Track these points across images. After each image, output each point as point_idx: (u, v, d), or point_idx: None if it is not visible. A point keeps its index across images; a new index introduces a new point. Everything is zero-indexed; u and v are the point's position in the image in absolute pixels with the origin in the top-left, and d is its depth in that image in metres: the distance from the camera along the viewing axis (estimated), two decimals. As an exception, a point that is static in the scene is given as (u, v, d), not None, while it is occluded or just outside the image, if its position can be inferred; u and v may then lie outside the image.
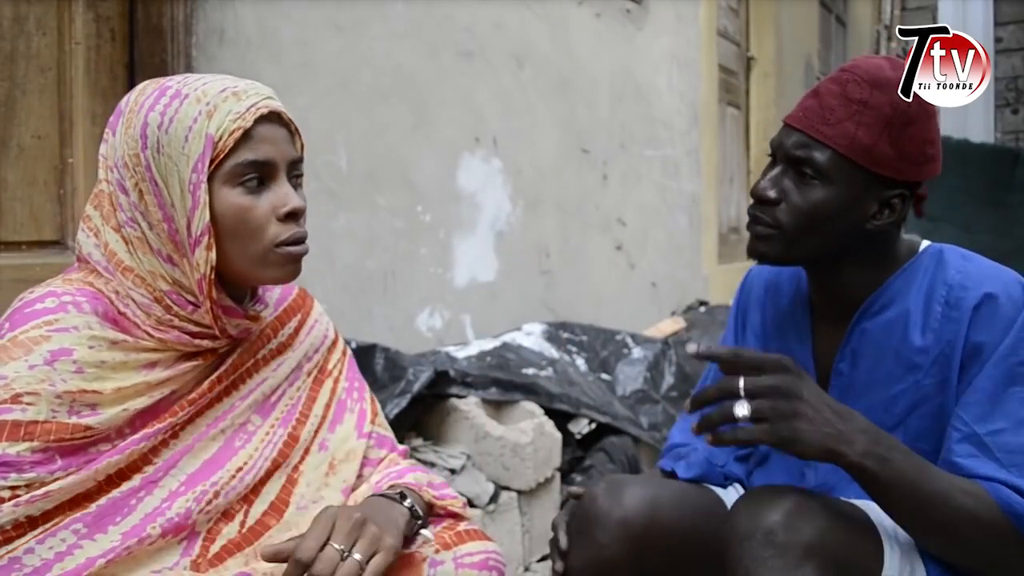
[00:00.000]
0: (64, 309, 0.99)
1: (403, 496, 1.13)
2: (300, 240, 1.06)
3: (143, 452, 1.03)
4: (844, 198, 1.17)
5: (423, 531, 1.13)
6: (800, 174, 1.18)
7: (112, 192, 1.04)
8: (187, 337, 1.04)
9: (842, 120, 1.16)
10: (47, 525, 0.95)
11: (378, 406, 1.29)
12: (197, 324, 1.05)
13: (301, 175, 1.09)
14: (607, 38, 4.02)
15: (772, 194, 1.19)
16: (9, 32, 1.90)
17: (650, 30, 4.40)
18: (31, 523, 0.94)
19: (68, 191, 1.96)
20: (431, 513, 1.21)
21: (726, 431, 1.04)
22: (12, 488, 0.92)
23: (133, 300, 1.03)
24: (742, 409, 1.04)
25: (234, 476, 1.09)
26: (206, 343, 1.06)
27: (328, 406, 1.21)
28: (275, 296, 1.22)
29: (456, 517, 1.21)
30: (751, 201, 1.24)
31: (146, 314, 1.03)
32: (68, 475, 0.96)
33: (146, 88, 1.05)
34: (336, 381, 1.24)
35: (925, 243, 1.27)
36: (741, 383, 1.05)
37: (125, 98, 1.06)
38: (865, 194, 1.18)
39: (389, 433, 1.29)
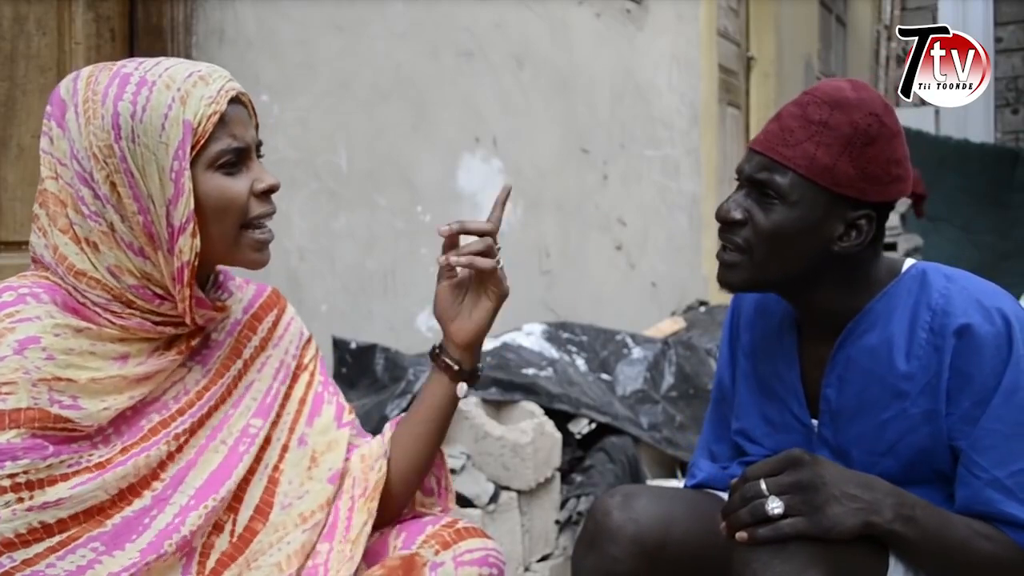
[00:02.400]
0: (23, 301, 0.99)
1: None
2: (270, 214, 1.09)
3: (150, 465, 1.03)
4: (806, 219, 1.16)
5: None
6: (763, 195, 1.17)
7: (62, 188, 1.02)
8: (149, 325, 1.04)
9: (801, 141, 1.15)
10: (63, 537, 0.96)
11: (351, 408, 1.30)
12: (159, 314, 1.05)
13: (262, 156, 1.11)
14: (607, 38, 4.02)
15: (737, 215, 1.19)
16: (9, 32, 1.91)
17: (650, 30, 4.40)
18: (46, 530, 0.95)
19: (68, 191, 1.96)
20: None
21: (766, 531, 1.06)
22: (11, 476, 0.92)
23: (89, 300, 1.03)
24: (776, 507, 1.06)
25: (232, 490, 1.09)
26: (168, 330, 1.07)
27: (303, 401, 1.22)
28: (250, 293, 1.23)
29: (436, 518, 1.24)
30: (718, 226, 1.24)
31: (104, 309, 1.03)
32: (61, 462, 0.96)
33: (97, 79, 1.02)
34: (312, 375, 1.24)
35: (908, 262, 1.25)
36: (763, 485, 1.07)
37: (65, 90, 1.03)
38: (829, 215, 1.16)
39: (360, 427, 1.30)
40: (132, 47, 2.07)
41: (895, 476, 1.19)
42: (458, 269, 1.22)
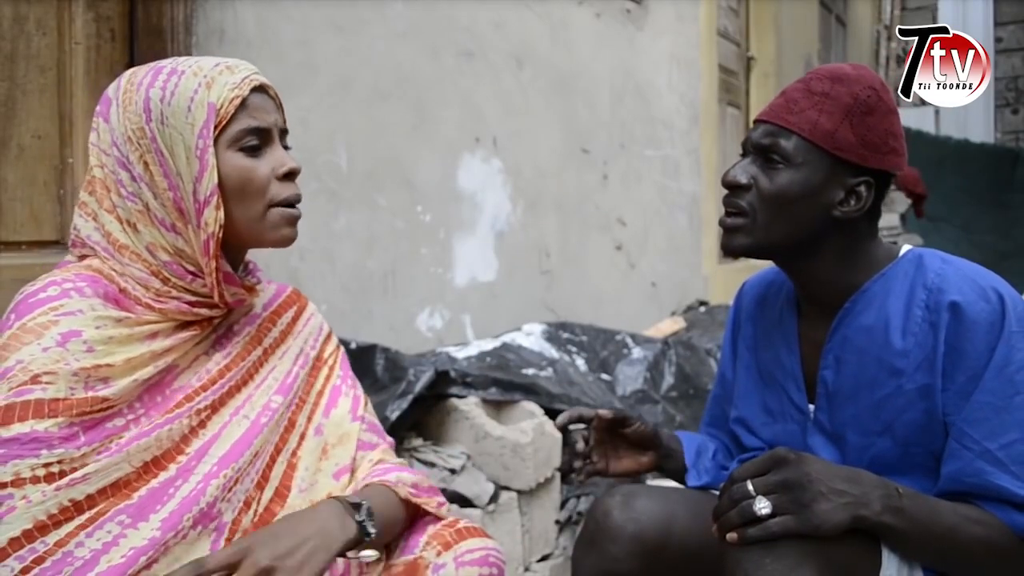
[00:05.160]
0: (67, 295, 1.04)
1: (358, 508, 1.11)
2: (296, 200, 1.15)
3: (172, 439, 1.07)
4: (809, 181, 1.21)
5: (364, 553, 1.12)
6: (768, 160, 1.23)
7: (107, 175, 1.10)
8: (186, 306, 1.11)
9: (805, 109, 1.22)
10: (92, 512, 0.99)
11: (367, 400, 1.33)
12: (194, 293, 1.11)
13: (288, 147, 1.17)
14: (607, 38, 4.02)
15: (743, 179, 1.24)
16: (9, 32, 1.91)
17: (650, 30, 4.40)
18: (76, 507, 0.98)
19: (68, 191, 1.96)
20: (416, 514, 1.24)
21: (756, 531, 1.07)
22: (45, 465, 0.96)
23: (131, 276, 1.09)
24: (763, 507, 1.07)
25: (251, 462, 1.13)
26: (204, 311, 1.12)
27: (322, 392, 1.27)
28: (271, 291, 1.28)
29: (438, 519, 1.24)
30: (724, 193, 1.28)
31: (144, 287, 1.09)
32: (92, 450, 1.00)
33: (136, 73, 1.12)
34: (331, 369, 1.30)
35: (905, 247, 1.28)
36: (750, 486, 1.08)
37: (112, 88, 1.13)
38: (830, 179, 1.21)
39: (378, 423, 1.34)
40: (132, 47, 2.07)
41: (891, 458, 1.20)
42: None
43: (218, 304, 1.13)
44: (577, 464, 1.35)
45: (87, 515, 0.99)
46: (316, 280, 2.51)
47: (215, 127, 1.08)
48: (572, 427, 1.37)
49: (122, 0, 2.06)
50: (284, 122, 1.17)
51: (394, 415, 2.20)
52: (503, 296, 3.26)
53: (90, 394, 1.00)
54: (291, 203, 1.14)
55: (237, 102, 1.09)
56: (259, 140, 1.11)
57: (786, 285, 1.37)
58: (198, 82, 1.08)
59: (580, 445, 1.35)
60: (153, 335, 1.09)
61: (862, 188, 1.22)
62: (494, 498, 2.17)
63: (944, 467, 1.17)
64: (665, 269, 4.52)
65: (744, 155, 1.27)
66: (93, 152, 1.12)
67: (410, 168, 2.85)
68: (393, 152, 2.79)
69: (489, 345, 2.77)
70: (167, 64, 1.11)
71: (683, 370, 3.12)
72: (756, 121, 1.27)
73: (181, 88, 1.08)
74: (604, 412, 1.35)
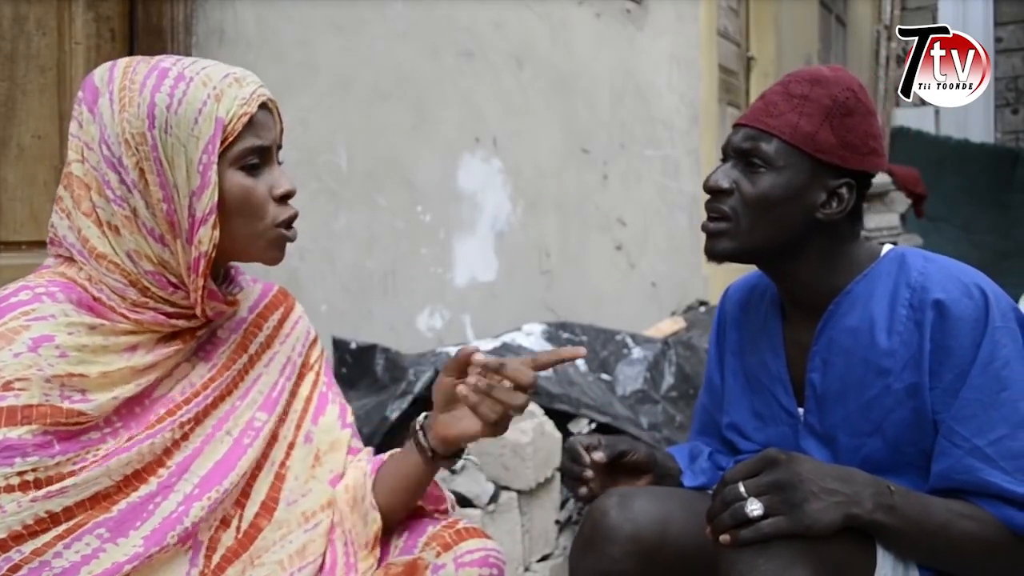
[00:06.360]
0: (39, 300, 1.01)
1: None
2: (294, 218, 1.12)
3: (154, 452, 1.05)
4: (791, 184, 1.21)
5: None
6: (749, 164, 1.23)
7: (88, 171, 1.05)
8: (163, 318, 1.07)
9: (784, 112, 1.22)
10: (70, 524, 0.97)
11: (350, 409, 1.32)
12: (173, 305, 1.08)
13: (281, 162, 1.15)
14: (607, 38, 4.02)
15: (725, 183, 1.24)
16: (9, 32, 1.91)
17: (650, 30, 4.40)
18: (53, 519, 0.96)
19: (68, 191, 1.96)
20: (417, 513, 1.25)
21: (748, 532, 1.06)
22: (20, 474, 0.94)
23: (107, 285, 1.05)
24: (755, 509, 1.07)
25: (237, 483, 1.11)
26: (182, 323, 1.09)
27: (309, 399, 1.24)
28: (256, 292, 1.25)
29: (437, 519, 1.24)
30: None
31: (121, 297, 1.05)
32: (68, 459, 0.98)
33: (136, 69, 1.06)
34: (317, 375, 1.27)
35: (887, 247, 1.29)
36: (742, 488, 1.08)
37: (100, 78, 1.06)
38: (812, 182, 1.21)
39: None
40: (132, 47, 2.06)
41: (882, 458, 1.21)
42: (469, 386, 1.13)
43: (197, 316, 1.09)
44: (582, 491, 1.35)
45: (64, 526, 0.97)
46: (316, 280, 2.51)
47: (221, 143, 1.04)
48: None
49: (122, 0, 2.06)
50: (280, 135, 1.14)
51: (394, 415, 2.20)
52: (503, 296, 3.26)
53: (67, 404, 0.98)
54: (290, 224, 1.12)
55: (245, 119, 1.05)
56: (260, 159, 1.08)
57: (770, 289, 1.37)
58: (207, 93, 1.04)
59: (588, 473, 1.35)
60: (132, 348, 1.05)
61: (843, 190, 1.22)
62: (494, 498, 2.17)
63: (935, 465, 1.18)
64: (665, 269, 4.52)
65: (725, 159, 1.27)
66: (74, 144, 1.06)
67: (410, 168, 2.85)
68: (393, 152, 2.79)
69: (489, 345, 2.77)
70: (171, 67, 1.06)
71: (683, 370, 3.12)
72: (736, 125, 1.27)
73: (190, 97, 1.03)
74: (599, 456, 1.34)
